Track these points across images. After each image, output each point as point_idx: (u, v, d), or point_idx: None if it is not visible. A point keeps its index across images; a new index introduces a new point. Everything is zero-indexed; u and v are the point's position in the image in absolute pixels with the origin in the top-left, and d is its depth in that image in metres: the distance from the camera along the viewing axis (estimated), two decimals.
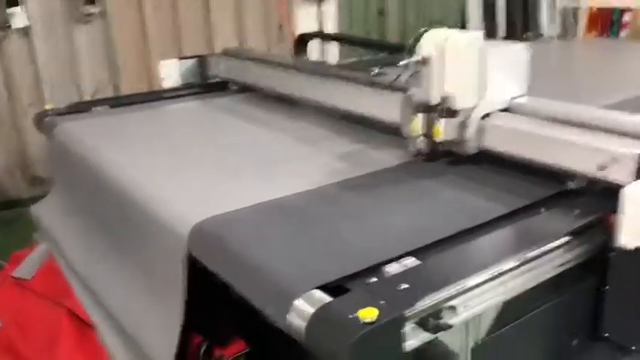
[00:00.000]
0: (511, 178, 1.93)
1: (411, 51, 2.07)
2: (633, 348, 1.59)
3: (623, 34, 7.90)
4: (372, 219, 1.73)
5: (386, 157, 2.23)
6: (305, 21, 5.18)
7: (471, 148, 2.00)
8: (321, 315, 1.25)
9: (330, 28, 5.40)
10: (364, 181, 2.03)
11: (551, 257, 1.54)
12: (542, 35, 5.46)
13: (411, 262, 1.44)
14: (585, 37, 6.15)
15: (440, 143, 2.02)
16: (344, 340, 1.16)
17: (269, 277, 1.43)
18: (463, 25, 6.99)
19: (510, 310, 1.52)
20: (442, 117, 1.98)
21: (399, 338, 1.24)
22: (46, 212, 2.90)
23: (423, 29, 2.06)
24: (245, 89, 3.38)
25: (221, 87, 3.54)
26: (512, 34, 7.17)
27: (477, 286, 1.38)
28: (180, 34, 4.72)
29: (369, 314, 1.18)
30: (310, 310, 1.27)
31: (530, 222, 1.67)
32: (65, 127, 2.87)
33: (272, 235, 1.64)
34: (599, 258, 1.59)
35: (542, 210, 1.72)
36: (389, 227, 1.68)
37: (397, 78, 2.14)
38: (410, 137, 2.10)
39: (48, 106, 3.20)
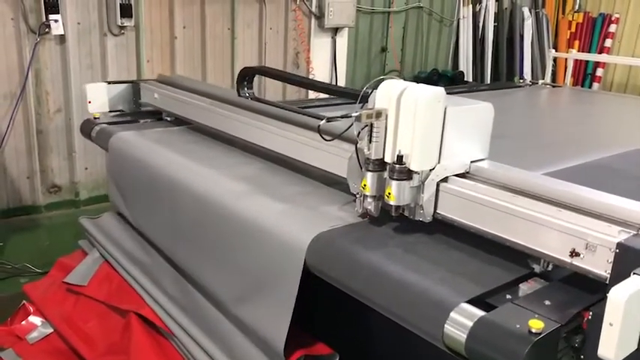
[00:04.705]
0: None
1: (364, 100, 1.79)
2: None
3: (595, 86, 8.50)
4: None
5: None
6: (320, 50, 5.36)
7: (426, 215, 1.74)
8: (483, 326, 1.36)
9: (341, 58, 5.61)
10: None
11: None
12: (536, 82, 5.77)
13: (539, 282, 1.57)
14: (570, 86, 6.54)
15: (391, 207, 1.75)
16: (517, 348, 1.28)
17: (416, 290, 1.53)
18: (455, 67, 7.34)
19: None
20: (394, 179, 1.71)
21: (556, 349, 1.37)
22: (109, 221, 2.90)
23: (379, 77, 1.78)
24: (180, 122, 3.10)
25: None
26: (497, 78, 7.60)
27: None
28: (205, 51, 4.81)
29: (536, 325, 1.31)
30: (468, 322, 1.38)
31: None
32: (124, 137, 2.90)
33: (394, 253, 1.72)
34: None
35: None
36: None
37: (348, 129, 1.81)
38: (357, 196, 1.85)
39: (96, 115, 3.21)
